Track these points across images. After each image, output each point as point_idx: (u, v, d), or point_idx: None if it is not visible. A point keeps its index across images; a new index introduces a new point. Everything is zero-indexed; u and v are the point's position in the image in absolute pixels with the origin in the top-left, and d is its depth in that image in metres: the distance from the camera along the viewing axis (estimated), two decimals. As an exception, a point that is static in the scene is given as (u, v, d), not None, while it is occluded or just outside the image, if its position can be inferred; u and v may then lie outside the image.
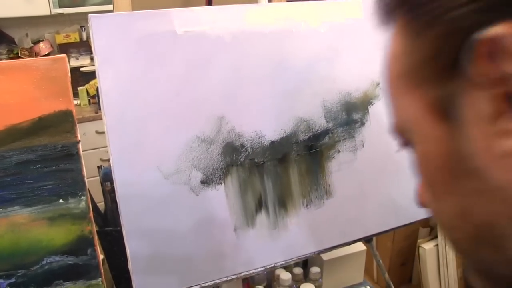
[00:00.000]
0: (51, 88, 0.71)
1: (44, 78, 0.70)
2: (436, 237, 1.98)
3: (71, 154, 0.73)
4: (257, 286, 1.11)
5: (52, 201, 0.73)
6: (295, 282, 1.15)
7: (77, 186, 0.74)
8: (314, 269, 1.15)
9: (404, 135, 0.36)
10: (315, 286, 1.12)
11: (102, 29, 0.77)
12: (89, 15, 0.77)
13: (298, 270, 1.16)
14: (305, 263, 1.23)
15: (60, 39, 2.74)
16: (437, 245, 1.96)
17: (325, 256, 1.17)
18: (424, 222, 2.03)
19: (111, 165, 0.79)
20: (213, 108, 0.84)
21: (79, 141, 0.74)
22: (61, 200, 0.73)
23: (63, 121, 0.72)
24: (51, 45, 2.70)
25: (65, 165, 0.73)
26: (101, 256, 1.16)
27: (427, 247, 1.95)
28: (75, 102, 2.60)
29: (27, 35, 2.69)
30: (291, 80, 0.90)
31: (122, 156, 0.79)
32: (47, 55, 2.67)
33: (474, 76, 0.28)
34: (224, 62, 0.85)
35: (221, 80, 0.84)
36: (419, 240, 2.00)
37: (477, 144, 0.29)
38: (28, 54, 2.59)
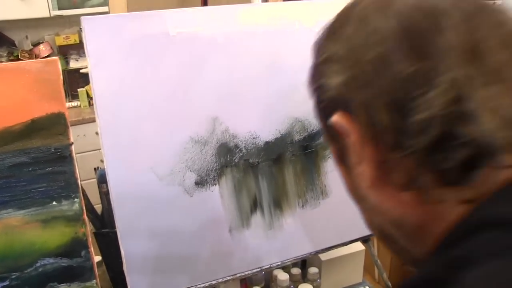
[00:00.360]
0: (43, 90, 0.71)
1: (36, 80, 0.70)
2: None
3: (64, 156, 0.73)
4: (254, 287, 1.11)
5: (45, 203, 0.73)
6: (293, 283, 1.14)
7: (70, 188, 0.74)
8: (312, 270, 1.15)
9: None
10: (314, 287, 1.11)
11: (94, 31, 0.77)
12: (82, 17, 0.77)
13: (296, 271, 1.16)
14: (304, 263, 1.22)
15: (60, 41, 2.75)
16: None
17: (323, 256, 1.17)
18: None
19: (105, 167, 0.79)
20: (207, 109, 0.84)
21: (72, 143, 0.74)
22: (54, 203, 0.73)
23: (55, 124, 0.72)
24: (51, 47, 2.71)
25: (58, 167, 0.73)
26: (98, 258, 1.16)
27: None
28: (75, 103, 2.61)
29: (27, 37, 2.69)
30: (286, 80, 0.90)
31: (116, 157, 0.79)
32: (47, 57, 2.68)
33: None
34: (217, 62, 0.84)
35: (214, 81, 0.84)
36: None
37: (358, 180, 0.44)
38: (28, 56, 2.59)
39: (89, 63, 0.77)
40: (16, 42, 2.71)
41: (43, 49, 2.66)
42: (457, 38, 0.36)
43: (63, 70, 2.56)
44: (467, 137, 0.35)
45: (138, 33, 0.79)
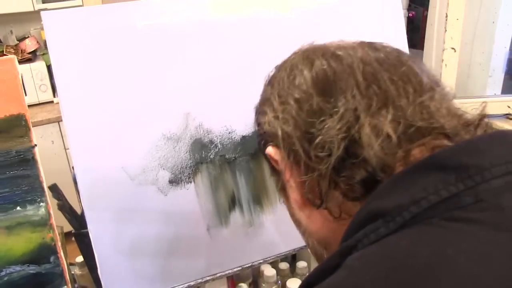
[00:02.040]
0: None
1: (-9, 81, 0.66)
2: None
3: (26, 160, 0.70)
4: (240, 284, 1.08)
5: (8, 209, 0.69)
6: (281, 278, 1.12)
7: (35, 192, 0.71)
8: (301, 264, 1.12)
9: None
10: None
11: (56, 26, 0.73)
12: (41, 12, 0.73)
13: (284, 265, 1.13)
14: (293, 258, 1.20)
15: (46, 35, 2.69)
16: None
17: (312, 250, 1.14)
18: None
19: (74, 167, 0.76)
20: (178, 104, 0.80)
21: (35, 145, 0.70)
22: (18, 208, 0.70)
23: (15, 126, 0.69)
24: (37, 42, 2.66)
25: (20, 171, 0.70)
26: (81, 259, 1.13)
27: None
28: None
29: (11, 32, 2.64)
30: (261, 70, 0.86)
31: (85, 158, 0.76)
32: (34, 51, 2.63)
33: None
34: (188, 54, 0.81)
35: (186, 74, 0.81)
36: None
37: (294, 205, 0.51)
38: (14, 51, 2.55)
39: (52, 59, 0.73)
40: (1, 38, 2.66)
41: (29, 44, 2.61)
42: (354, 81, 0.44)
43: (50, 65, 2.52)
44: (362, 158, 0.41)
45: (103, 27, 0.76)
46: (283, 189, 0.53)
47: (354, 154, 0.42)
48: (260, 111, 0.54)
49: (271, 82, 0.53)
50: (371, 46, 0.49)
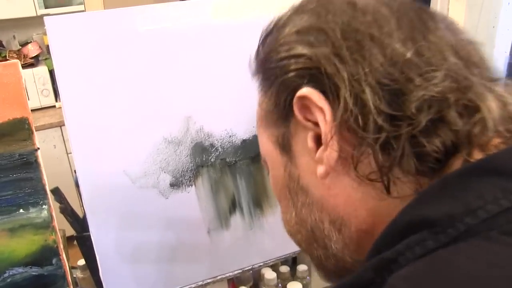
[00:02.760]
0: (3, 95, 0.68)
1: (-5, 85, 0.67)
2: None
3: (29, 163, 0.71)
4: (240, 287, 1.09)
5: (11, 211, 0.70)
6: (281, 281, 1.12)
7: (37, 195, 0.72)
8: (302, 267, 1.13)
9: (266, 163, 0.49)
10: (303, 284, 1.09)
11: (58, 31, 0.74)
12: (44, 17, 0.74)
13: (284, 269, 1.14)
14: (294, 261, 1.20)
15: (49, 40, 2.71)
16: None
17: (313, 253, 1.15)
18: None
19: (76, 171, 0.77)
20: (179, 108, 0.81)
21: (38, 148, 0.71)
22: (21, 210, 0.71)
23: (19, 129, 0.70)
24: (40, 47, 2.68)
25: (23, 174, 0.71)
26: (83, 262, 1.14)
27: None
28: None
29: (14, 37, 2.66)
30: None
31: (87, 161, 0.77)
32: (36, 56, 2.65)
33: (299, 122, 0.40)
34: (189, 59, 0.81)
35: (187, 78, 0.81)
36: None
37: (302, 170, 0.42)
38: (16, 56, 2.56)
39: (55, 64, 0.74)
40: (4, 43, 2.68)
41: (32, 49, 2.63)
42: (445, 36, 0.37)
43: (52, 70, 2.53)
44: (458, 124, 0.34)
45: (105, 31, 0.77)
46: (285, 146, 0.43)
47: (448, 117, 0.34)
48: (295, 39, 0.40)
49: (316, 8, 0.41)
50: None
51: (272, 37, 0.45)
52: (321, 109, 0.37)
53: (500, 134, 0.35)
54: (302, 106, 0.39)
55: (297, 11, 0.44)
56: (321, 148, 0.38)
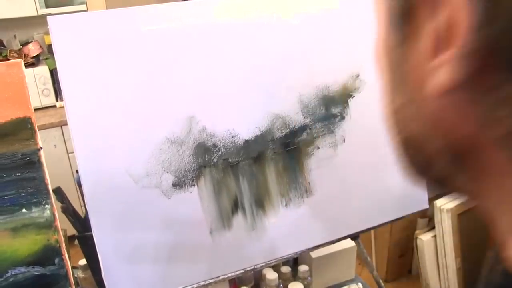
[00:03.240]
0: (7, 95, 0.68)
1: (-2, 84, 0.67)
2: (434, 227, 1.95)
3: (32, 162, 0.71)
4: (243, 287, 1.09)
5: (14, 211, 0.70)
6: (283, 281, 1.12)
7: (40, 195, 0.71)
8: (303, 268, 1.13)
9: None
10: (304, 285, 1.09)
11: (62, 30, 0.74)
12: (48, 16, 0.74)
13: (286, 269, 1.14)
14: (295, 261, 1.20)
15: (50, 39, 2.70)
16: (435, 236, 1.93)
17: (314, 254, 1.15)
18: (422, 213, 2.00)
19: (79, 170, 0.77)
20: (182, 108, 0.81)
21: (41, 148, 0.71)
22: (24, 210, 0.71)
23: (21, 129, 0.69)
24: (41, 46, 2.68)
25: (26, 174, 0.70)
26: (84, 262, 1.14)
27: (424, 238, 1.92)
28: (67, 102, 2.57)
29: (15, 36, 2.66)
30: (264, 75, 0.87)
31: (89, 161, 0.77)
32: (37, 56, 2.65)
33: None
34: (192, 59, 0.81)
35: (189, 78, 0.81)
36: (416, 231, 1.97)
37: (419, 69, 0.29)
38: (17, 56, 2.56)
39: (58, 63, 0.74)
40: (5, 42, 2.67)
41: (32, 49, 2.63)
42: None
43: (53, 70, 2.54)
44: None
45: (108, 31, 0.77)
46: (409, 21, 0.29)
47: None
48: None
49: None
50: None
51: None
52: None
53: None
54: None
55: None
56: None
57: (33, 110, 0.70)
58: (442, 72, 0.27)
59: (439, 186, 0.36)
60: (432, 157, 0.32)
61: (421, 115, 0.30)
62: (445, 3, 0.25)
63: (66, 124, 2.57)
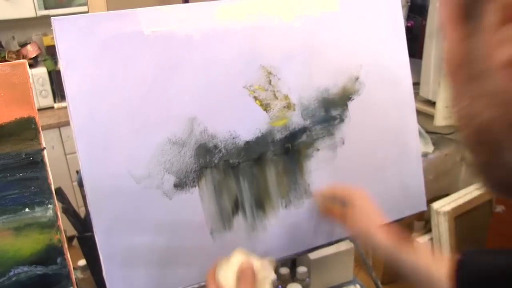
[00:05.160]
0: (11, 95, 0.69)
1: (3, 85, 0.68)
2: (430, 230, 1.96)
3: (35, 162, 0.71)
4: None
5: (17, 210, 0.71)
6: (281, 282, 1.13)
7: (43, 195, 0.72)
8: (301, 269, 1.13)
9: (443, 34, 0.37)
10: (303, 286, 1.10)
11: (65, 32, 0.75)
12: (52, 18, 0.75)
13: (284, 270, 1.14)
14: (293, 263, 1.21)
15: (48, 41, 2.72)
16: (431, 238, 1.94)
17: (312, 255, 1.16)
18: (419, 216, 2.01)
19: (81, 171, 0.77)
20: (184, 109, 0.82)
21: (44, 148, 0.71)
22: (27, 209, 0.71)
23: (25, 129, 0.70)
24: (39, 47, 2.68)
25: (29, 174, 0.71)
26: (83, 262, 1.14)
27: (421, 240, 1.93)
28: (65, 104, 2.57)
29: (13, 37, 2.66)
30: (265, 77, 0.88)
31: (92, 161, 0.77)
32: (35, 57, 2.65)
33: None
34: (194, 61, 0.82)
35: (191, 80, 0.82)
36: (413, 234, 1.98)
37: (486, 49, 0.31)
38: (15, 57, 2.56)
39: (61, 64, 0.75)
40: (3, 43, 2.67)
41: (31, 50, 2.63)
42: None
43: (51, 71, 2.54)
44: None
45: (111, 33, 0.77)
46: (472, 13, 0.32)
47: None
48: None
49: None
50: None
51: None
52: None
53: None
54: None
55: None
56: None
57: (37, 110, 0.71)
58: (507, 44, 0.28)
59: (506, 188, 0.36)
60: (503, 142, 0.32)
61: (491, 95, 0.31)
62: None
63: (64, 125, 2.56)
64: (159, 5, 0.82)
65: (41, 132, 0.72)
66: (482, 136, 0.34)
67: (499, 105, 0.31)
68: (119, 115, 0.78)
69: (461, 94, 0.35)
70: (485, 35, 0.31)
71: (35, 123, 0.71)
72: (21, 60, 0.70)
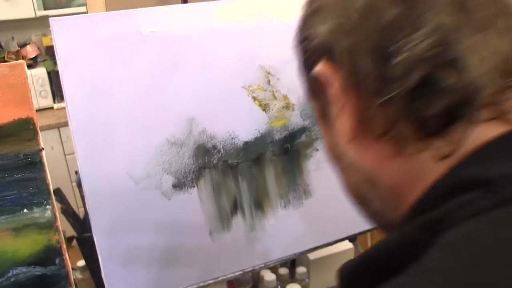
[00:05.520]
0: (9, 95, 0.69)
1: (1, 85, 0.68)
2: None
3: (34, 163, 0.71)
4: (240, 289, 1.09)
5: (16, 211, 0.71)
6: (280, 283, 1.13)
7: (42, 195, 0.72)
8: (300, 269, 1.13)
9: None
10: (302, 286, 1.10)
11: (64, 32, 0.75)
12: (50, 18, 0.75)
13: (283, 271, 1.14)
14: (293, 263, 1.21)
15: (48, 41, 2.71)
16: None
17: (312, 256, 1.15)
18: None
19: (79, 172, 0.77)
20: (183, 110, 0.82)
21: (42, 149, 0.71)
22: (25, 210, 0.71)
23: (24, 129, 0.70)
24: (38, 48, 2.68)
25: (28, 174, 0.71)
26: (82, 263, 1.14)
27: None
28: (64, 105, 2.58)
29: (13, 38, 2.66)
30: (264, 77, 0.88)
31: (90, 162, 0.77)
32: (35, 58, 2.65)
33: (326, 94, 0.42)
34: (193, 61, 0.82)
35: (190, 80, 0.82)
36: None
37: (338, 136, 0.43)
38: (15, 57, 2.56)
39: (59, 65, 0.75)
40: (2, 44, 2.67)
41: (30, 50, 2.63)
42: None
43: (50, 71, 2.54)
44: (450, 82, 0.35)
45: (109, 33, 0.77)
46: (325, 117, 0.45)
47: (440, 77, 0.35)
48: (308, 22, 0.44)
49: None
50: None
51: (300, 19, 0.47)
52: (331, 80, 0.40)
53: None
54: (322, 80, 0.42)
55: None
56: (339, 115, 0.42)
57: (35, 111, 0.71)
58: (345, 126, 0.41)
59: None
60: (368, 197, 0.45)
61: (351, 165, 0.44)
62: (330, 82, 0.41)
63: (63, 125, 2.57)
64: (158, 5, 0.83)
65: (40, 133, 0.72)
66: (357, 196, 0.46)
67: (356, 171, 0.43)
68: (118, 116, 0.78)
69: (339, 172, 0.47)
70: (334, 127, 0.43)
71: (34, 124, 0.71)
72: (19, 61, 0.70)
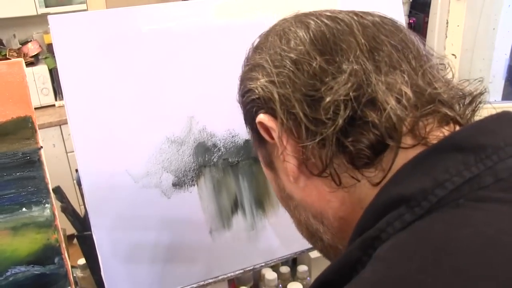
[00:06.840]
0: (8, 94, 0.68)
1: (0, 84, 0.67)
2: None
3: (32, 161, 0.71)
4: (242, 287, 1.09)
5: (14, 210, 0.70)
6: (282, 281, 1.12)
7: (40, 194, 0.71)
8: (302, 268, 1.13)
9: None
10: (303, 285, 1.09)
11: (62, 30, 0.74)
12: (48, 16, 0.74)
13: (285, 269, 1.14)
14: (294, 261, 1.21)
15: (49, 39, 2.71)
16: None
17: (313, 254, 1.15)
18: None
19: (78, 170, 0.77)
20: (182, 108, 0.81)
21: (41, 147, 0.71)
22: (24, 209, 0.71)
23: (22, 128, 0.69)
24: (40, 45, 2.68)
25: (26, 173, 0.70)
26: (83, 261, 1.14)
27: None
28: (66, 102, 2.57)
29: (14, 36, 2.66)
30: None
31: (89, 160, 0.77)
32: (36, 55, 2.65)
33: (268, 142, 0.49)
34: (192, 59, 0.82)
35: (190, 78, 0.82)
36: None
37: (284, 180, 0.49)
38: (16, 55, 2.56)
39: (58, 63, 0.74)
40: (4, 41, 2.67)
41: (32, 48, 2.62)
42: (356, 42, 0.43)
43: (52, 69, 2.54)
44: (372, 119, 0.40)
45: (108, 31, 0.77)
46: (270, 163, 0.51)
47: (363, 115, 0.40)
48: (247, 78, 0.51)
49: (258, 49, 0.51)
50: (365, 12, 0.48)
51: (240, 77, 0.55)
52: (272, 128, 0.46)
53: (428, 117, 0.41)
54: (263, 129, 0.48)
55: (254, 51, 0.53)
56: (282, 160, 0.47)
57: (33, 109, 0.70)
58: (288, 169, 0.47)
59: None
60: (318, 232, 0.50)
61: (299, 204, 0.50)
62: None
63: (65, 123, 2.58)
64: (157, 3, 0.82)
65: (38, 131, 0.71)
66: (309, 232, 0.51)
67: (304, 209, 0.49)
68: (117, 114, 0.78)
69: (289, 212, 0.53)
70: (279, 172, 0.50)
71: (32, 122, 0.70)
72: (17, 59, 0.69)
